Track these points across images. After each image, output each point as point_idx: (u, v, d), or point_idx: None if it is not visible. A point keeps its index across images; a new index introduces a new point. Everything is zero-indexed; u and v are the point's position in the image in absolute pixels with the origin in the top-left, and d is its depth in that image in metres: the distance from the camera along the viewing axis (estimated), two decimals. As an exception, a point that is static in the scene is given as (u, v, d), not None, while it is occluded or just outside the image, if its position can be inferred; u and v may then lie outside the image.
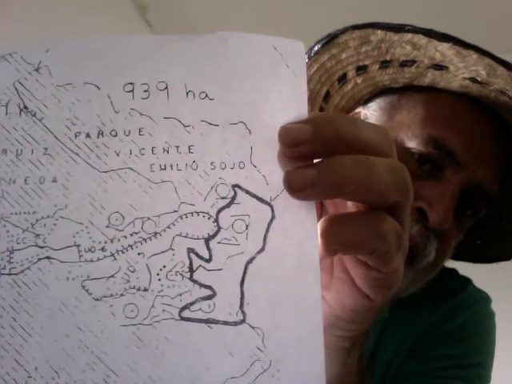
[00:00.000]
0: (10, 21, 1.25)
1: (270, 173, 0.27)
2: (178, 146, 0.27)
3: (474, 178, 0.58)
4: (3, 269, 0.26)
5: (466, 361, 0.66)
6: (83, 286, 0.26)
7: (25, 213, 0.27)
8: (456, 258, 0.68)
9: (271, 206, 0.27)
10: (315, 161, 0.27)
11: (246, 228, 0.26)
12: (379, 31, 0.58)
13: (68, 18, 1.41)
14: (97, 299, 0.26)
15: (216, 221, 0.26)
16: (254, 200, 0.26)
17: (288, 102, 0.27)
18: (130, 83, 0.27)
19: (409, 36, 0.57)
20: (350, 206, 0.30)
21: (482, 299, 0.72)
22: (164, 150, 0.27)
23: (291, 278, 0.26)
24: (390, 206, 0.28)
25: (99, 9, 1.58)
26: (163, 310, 0.26)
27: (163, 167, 0.26)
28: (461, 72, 0.57)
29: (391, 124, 0.61)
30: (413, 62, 0.60)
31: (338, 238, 0.27)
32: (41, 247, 0.26)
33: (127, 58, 0.27)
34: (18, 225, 0.26)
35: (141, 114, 0.27)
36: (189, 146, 0.27)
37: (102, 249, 0.26)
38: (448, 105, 0.60)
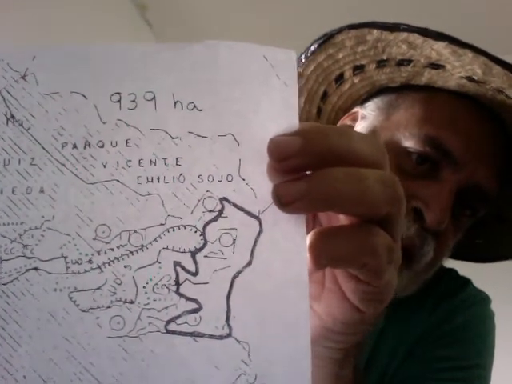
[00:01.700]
0: (10, 20, 1.24)
1: (259, 186, 0.27)
2: (165, 158, 0.27)
3: (472, 178, 0.58)
4: None
5: (466, 362, 0.66)
6: (70, 298, 0.26)
7: (13, 223, 0.27)
8: (456, 257, 0.68)
9: (259, 220, 0.27)
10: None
11: (233, 242, 0.26)
12: (375, 31, 0.58)
13: (68, 18, 1.40)
14: (84, 311, 0.26)
15: (203, 234, 0.26)
16: (241, 213, 0.27)
17: (278, 112, 0.27)
18: (117, 93, 0.27)
19: (404, 35, 0.57)
20: (342, 219, 0.29)
21: (482, 299, 0.72)
22: (151, 161, 0.27)
23: (278, 293, 0.27)
24: (382, 218, 0.28)
25: (99, 8, 1.57)
26: (149, 323, 0.26)
27: (150, 179, 0.27)
28: (457, 71, 0.57)
29: (388, 123, 0.61)
30: (409, 61, 0.60)
31: (327, 253, 0.28)
32: (29, 258, 0.27)
33: (114, 67, 0.27)
34: (6, 235, 0.27)
35: (128, 125, 0.27)
36: (176, 158, 0.27)
37: (89, 261, 0.26)
38: (445, 104, 0.60)
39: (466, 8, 1.73)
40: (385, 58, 0.62)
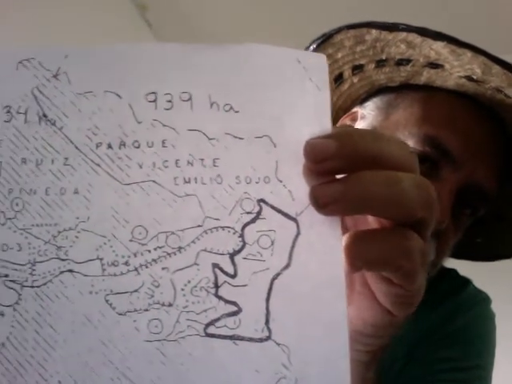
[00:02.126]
0: (10, 20, 1.22)
1: (296, 188, 0.27)
2: (202, 159, 0.26)
3: (472, 177, 0.58)
4: (25, 281, 0.26)
5: (466, 363, 0.67)
6: (107, 301, 0.26)
7: (46, 224, 0.26)
8: (456, 256, 0.68)
9: (296, 222, 0.27)
10: (338, 176, 0.27)
11: (272, 244, 0.26)
12: (374, 30, 0.58)
13: (68, 18, 1.39)
14: (120, 314, 0.26)
15: (241, 236, 0.26)
16: (279, 215, 0.26)
17: (312, 116, 0.27)
18: (153, 93, 0.27)
19: (403, 35, 0.57)
20: (372, 222, 0.30)
21: (483, 300, 0.73)
22: (188, 162, 0.26)
23: (316, 295, 0.27)
24: (415, 221, 0.28)
25: (99, 9, 1.56)
26: (188, 326, 0.26)
27: (187, 180, 0.26)
28: (456, 70, 0.57)
29: (387, 123, 0.61)
30: (408, 60, 0.60)
31: (363, 255, 0.28)
32: (63, 260, 0.26)
33: (150, 67, 0.27)
34: (40, 236, 0.26)
35: (164, 125, 0.26)
36: (213, 159, 0.26)
37: (126, 263, 0.26)
38: (444, 103, 0.61)
39: (466, 8, 1.75)
40: (384, 57, 0.62)
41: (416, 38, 0.57)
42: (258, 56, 0.27)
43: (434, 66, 0.59)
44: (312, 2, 1.78)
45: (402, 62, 0.61)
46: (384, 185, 0.27)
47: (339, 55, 0.64)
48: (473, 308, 0.71)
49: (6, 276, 0.27)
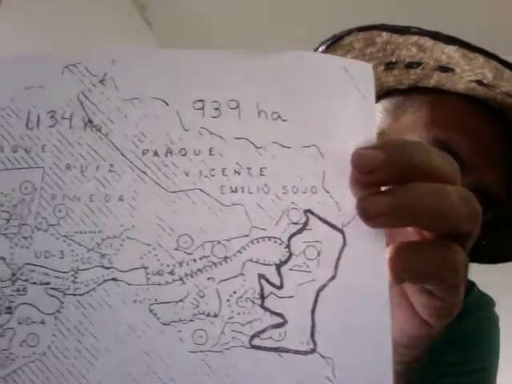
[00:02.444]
0: (10, 20, 1.22)
1: (342, 198, 0.27)
2: (249, 168, 0.26)
3: (481, 181, 0.58)
4: (67, 289, 0.26)
5: (469, 367, 0.67)
6: (151, 310, 0.26)
7: (90, 232, 0.26)
8: None
9: (343, 233, 0.26)
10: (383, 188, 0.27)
11: (318, 255, 0.26)
12: (384, 33, 0.58)
13: (68, 18, 1.39)
14: (165, 324, 0.26)
15: (288, 246, 0.26)
16: (325, 226, 0.26)
17: (357, 125, 0.27)
18: (200, 100, 0.27)
19: (414, 38, 0.58)
20: (411, 233, 0.29)
21: (486, 303, 0.73)
22: (235, 171, 0.26)
23: (361, 307, 0.26)
24: (459, 234, 0.27)
25: (99, 8, 1.56)
26: (233, 337, 0.26)
27: (234, 189, 0.26)
28: (467, 74, 0.58)
29: (396, 126, 0.61)
30: (418, 63, 0.60)
31: (408, 268, 0.28)
32: (107, 268, 0.26)
33: (198, 73, 0.27)
34: (83, 244, 0.26)
35: (211, 133, 0.26)
36: (260, 169, 0.26)
37: (171, 272, 0.26)
38: (454, 106, 0.61)
39: (467, 8, 1.75)
40: (393, 60, 0.62)
41: (427, 42, 0.57)
42: (306, 64, 0.27)
43: (445, 69, 0.59)
44: (312, 3, 1.78)
45: (411, 65, 0.61)
46: (433, 197, 0.26)
47: (348, 57, 0.64)
48: (477, 312, 0.71)
49: (48, 284, 0.26)
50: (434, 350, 0.65)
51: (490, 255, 0.74)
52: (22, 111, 0.28)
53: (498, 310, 0.73)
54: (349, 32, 0.61)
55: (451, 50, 0.56)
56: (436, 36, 0.56)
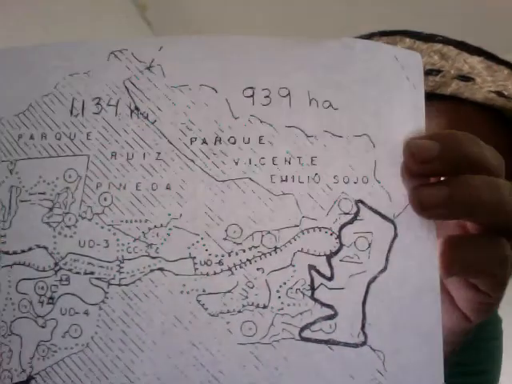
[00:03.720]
0: (9, 20, 1.22)
1: (393, 189, 0.26)
2: (300, 157, 0.26)
3: None
4: (113, 279, 0.25)
5: (476, 368, 0.66)
6: (198, 301, 0.25)
7: (136, 221, 0.26)
8: None
9: (394, 224, 0.26)
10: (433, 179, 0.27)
11: (369, 246, 0.26)
12: (407, 39, 0.59)
13: (67, 18, 1.38)
14: (213, 315, 0.25)
15: (338, 237, 0.25)
16: (377, 217, 0.26)
17: (408, 115, 0.27)
18: (250, 87, 0.26)
19: (438, 46, 0.58)
20: (453, 228, 0.29)
21: None
22: (285, 160, 0.26)
23: (412, 300, 0.26)
24: (507, 229, 0.27)
25: (98, 8, 1.56)
26: (283, 329, 0.25)
27: (284, 179, 0.26)
28: (487, 85, 0.58)
29: None
30: (438, 71, 0.60)
31: (460, 261, 0.27)
32: (153, 258, 0.25)
33: (248, 60, 0.26)
34: (129, 233, 0.25)
35: (261, 121, 0.26)
36: (311, 158, 0.26)
37: (219, 262, 0.25)
38: (471, 116, 0.61)
39: (466, 8, 1.76)
40: None
41: (451, 51, 0.57)
42: (360, 51, 0.27)
43: (465, 78, 0.59)
44: (313, 3, 1.79)
45: (431, 72, 0.61)
46: (489, 190, 0.26)
47: None
48: None
49: (92, 273, 0.26)
50: None
51: None
52: (67, 98, 0.27)
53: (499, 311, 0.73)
54: (371, 36, 0.61)
55: (475, 60, 0.56)
56: (461, 46, 0.57)
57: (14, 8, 1.23)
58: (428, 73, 0.60)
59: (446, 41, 0.57)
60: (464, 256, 0.28)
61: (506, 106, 0.58)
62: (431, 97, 0.63)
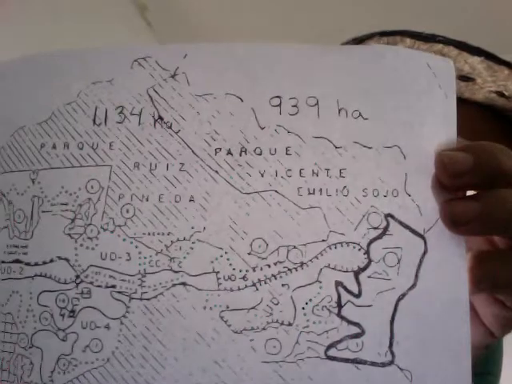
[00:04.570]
0: (10, 20, 1.22)
1: (424, 202, 0.25)
2: (328, 169, 0.25)
3: None
4: (134, 293, 0.25)
5: (477, 369, 0.65)
6: (222, 317, 0.24)
7: (158, 233, 0.25)
8: None
9: (424, 239, 0.25)
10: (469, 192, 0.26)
11: (398, 262, 0.25)
12: (408, 39, 0.58)
13: (67, 17, 1.39)
14: (236, 332, 0.24)
15: (367, 253, 0.25)
16: (406, 231, 0.25)
17: (439, 125, 0.26)
18: (277, 96, 0.25)
19: (439, 46, 0.57)
20: (481, 243, 0.28)
21: None
22: (313, 172, 0.25)
23: (442, 317, 0.25)
24: None
25: (98, 8, 1.55)
26: (308, 348, 0.24)
27: (312, 191, 0.25)
28: (488, 85, 0.58)
29: None
30: None
31: (489, 277, 0.26)
32: (176, 272, 0.25)
33: (274, 69, 0.26)
34: (151, 246, 0.25)
35: (288, 132, 0.25)
36: (340, 170, 0.25)
37: (244, 277, 0.24)
38: (471, 116, 0.60)
39: (467, 8, 1.74)
40: None
41: (452, 51, 0.56)
42: (390, 59, 0.26)
43: (465, 78, 0.58)
44: (314, 4, 1.77)
45: None
46: None
47: None
48: None
49: (114, 287, 0.25)
50: None
51: None
52: (89, 107, 0.27)
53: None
54: (371, 36, 0.60)
55: (476, 60, 0.55)
56: (462, 46, 0.56)
57: (13, 7, 1.24)
58: None
59: (447, 41, 0.56)
60: (493, 272, 0.27)
61: (507, 106, 0.58)
62: None
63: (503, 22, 1.79)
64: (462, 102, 0.60)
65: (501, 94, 0.56)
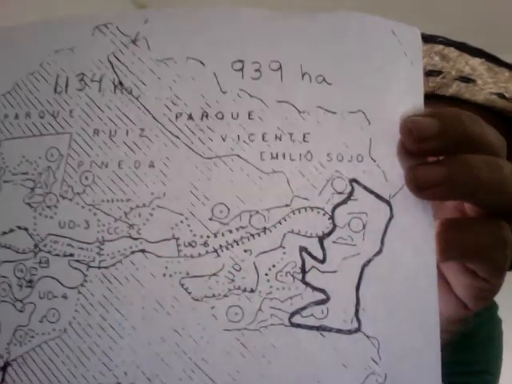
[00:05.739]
0: (9, 19, 1.23)
1: (390, 168, 0.25)
2: (291, 134, 0.24)
3: None
4: (92, 261, 0.24)
5: (476, 367, 0.65)
6: (182, 285, 0.24)
7: (117, 200, 0.24)
8: None
9: (390, 205, 0.24)
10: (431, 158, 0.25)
11: (363, 227, 0.24)
12: None
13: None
14: (197, 299, 0.23)
15: (331, 218, 0.24)
16: (372, 197, 0.24)
17: (405, 92, 0.26)
18: (240, 61, 0.25)
19: (439, 47, 0.57)
20: (452, 211, 0.28)
21: (490, 305, 0.71)
22: (276, 136, 0.24)
23: (409, 284, 0.24)
24: (508, 212, 0.26)
25: (98, 8, 1.57)
26: (271, 315, 0.23)
27: (275, 156, 0.24)
28: (488, 87, 0.58)
29: None
30: (439, 72, 0.60)
31: (458, 244, 0.26)
32: (135, 239, 0.24)
33: (237, 32, 0.25)
34: (110, 213, 0.24)
35: (251, 96, 0.25)
36: (303, 134, 0.24)
37: (204, 244, 0.24)
38: None
39: (466, 8, 1.75)
40: None
41: (452, 52, 0.57)
42: (354, 25, 0.26)
43: (466, 80, 0.59)
44: (314, 3, 1.78)
45: (432, 73, 0.61)
46: (488, 170, 0.25)
47: None
48: (480, 313, 0.69)
49: (72, 255, 0.25)
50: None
51: None
52: (51, 75, 0.26)
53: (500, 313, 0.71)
54: None
55: (477, 62, 0.56)
56: (462, 47, 0.56)
57: (13, 8, 1.25)
58: (429, 74, 0.60)
59: (447, 42, 0.57)
60: (462, 239, 0.26)
61: (507, 107, 0.58)
62: (431, 98, 0.62)
63: (503, 22, 1.80)
64: (462, 104, 0.60)
65: (501, 96, 0.56)
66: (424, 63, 0.59)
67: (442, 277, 0.30)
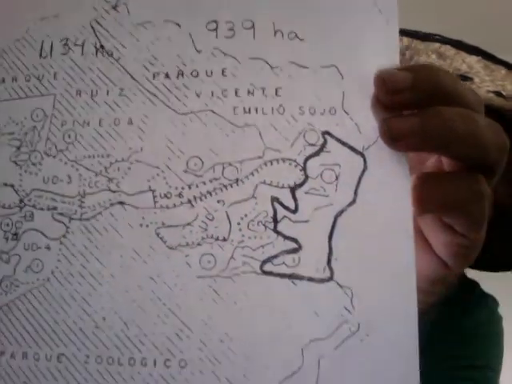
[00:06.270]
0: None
1: (363, 121, 0.25)
2: (264, 88, 0.25)
3: (495, 194, 0.56)
4: (74, 214, 0.25)
5: (478, 362, 0.63)
6: (157, 234, 0.24)
7: (98, 156, 0.25)
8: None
9: (363, 156, 0.25)
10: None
11: (336, 178, 0.24)
12: (405, 38, 0.59)
13: None
14: (171, 248, 0.24)
15: (303, 169, 0.24)
16: (345, 149, 0.25)
17: (380, 49, 0.26)
18: (214, 21, 0.26)
19: (436, 45, 0.57)
20: (430, 166, 0.28)
21: (490, 302, 0.70)
22: (249, 92, 0.25)
23: (383, 236, 0.24)
24: (486, 165, 0.26)
25: None
26: (243, 263, 0.24)
27: (247, 110, 0.25)
28: (486, 85, 0.57)
29: None
30: None
31: (435, 198, 0.26)
32: (114, 192, 0.25)
33: None
34: (91, 168, 0.25)
35: (224, 54, 0.25)
36: (276, 89, 0.25)
37: (179, 195, 0.25)
38: None
39: (466, 8, 1.73)
40: None
41: (449, 50, 0.57)
42: None
43: (463, 78, 0.58)
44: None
45: None
46: (464, 122, 0.25)
47: None
48: (480, 311, 0.67)
49: (55, 209, 0.26)
50: (441, 343, 0.62)
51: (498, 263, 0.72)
52: (36, 41, 0.28)
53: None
54: None
55: (473, 60, 0.56)
56: (459, 45, 0.56)
57: (12, 5, 1.29)
58: None
59: (444, 40, 0.57)
60: (438, 192, 0.26)
61: (505, 106, 0.57)
62: None
63: (503, 22, 1.78)
64: None
65: (499, 94, 0.56)
66: (421, 61, 0.59)
67: (421, 236, 0.30)
